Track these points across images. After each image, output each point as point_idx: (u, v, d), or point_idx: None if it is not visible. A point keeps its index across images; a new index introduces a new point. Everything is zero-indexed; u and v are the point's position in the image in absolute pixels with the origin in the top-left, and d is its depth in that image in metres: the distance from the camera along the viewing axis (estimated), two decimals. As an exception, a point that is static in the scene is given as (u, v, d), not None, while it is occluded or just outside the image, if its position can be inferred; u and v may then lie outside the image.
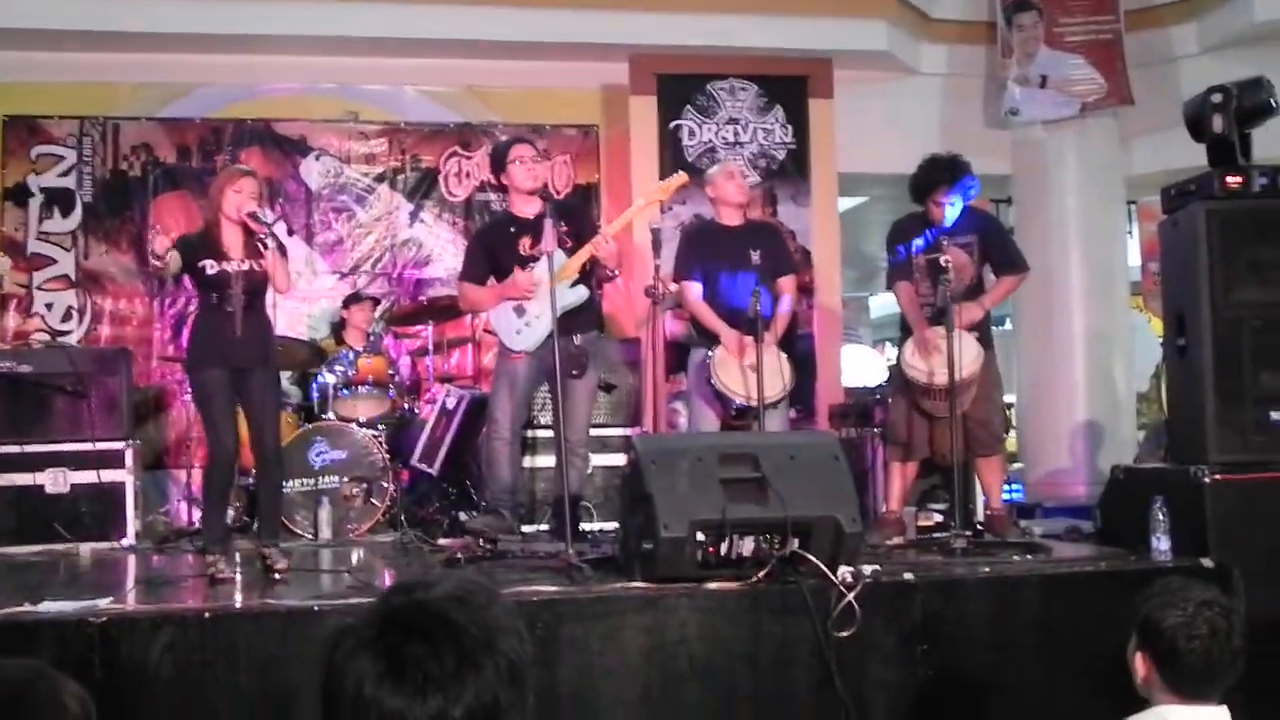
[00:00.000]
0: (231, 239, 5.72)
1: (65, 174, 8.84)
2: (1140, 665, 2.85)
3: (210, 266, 5.73)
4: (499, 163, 6.25)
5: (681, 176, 6.38)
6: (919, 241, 6.37)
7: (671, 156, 8.99)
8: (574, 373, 5.89)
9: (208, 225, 5.81)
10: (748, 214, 6.93)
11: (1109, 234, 9.79)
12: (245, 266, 5.69)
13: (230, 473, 6.04)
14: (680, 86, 9.15)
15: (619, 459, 7.09)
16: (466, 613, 1.55)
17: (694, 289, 6.59)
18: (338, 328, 8.44)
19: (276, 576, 5.25)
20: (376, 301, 8.78)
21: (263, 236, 5.69)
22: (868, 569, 4.70)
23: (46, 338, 8.51)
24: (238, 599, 4.80)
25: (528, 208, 6.08)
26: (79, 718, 1.88)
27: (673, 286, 6.75)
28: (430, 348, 8.15)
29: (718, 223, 6.75)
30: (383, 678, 1.51)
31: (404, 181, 9.28)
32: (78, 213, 8.83)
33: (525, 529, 6.61)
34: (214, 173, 8.81)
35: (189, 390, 6.25)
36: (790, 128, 9.23)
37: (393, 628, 1.53)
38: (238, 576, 5.35)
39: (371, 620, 1.55)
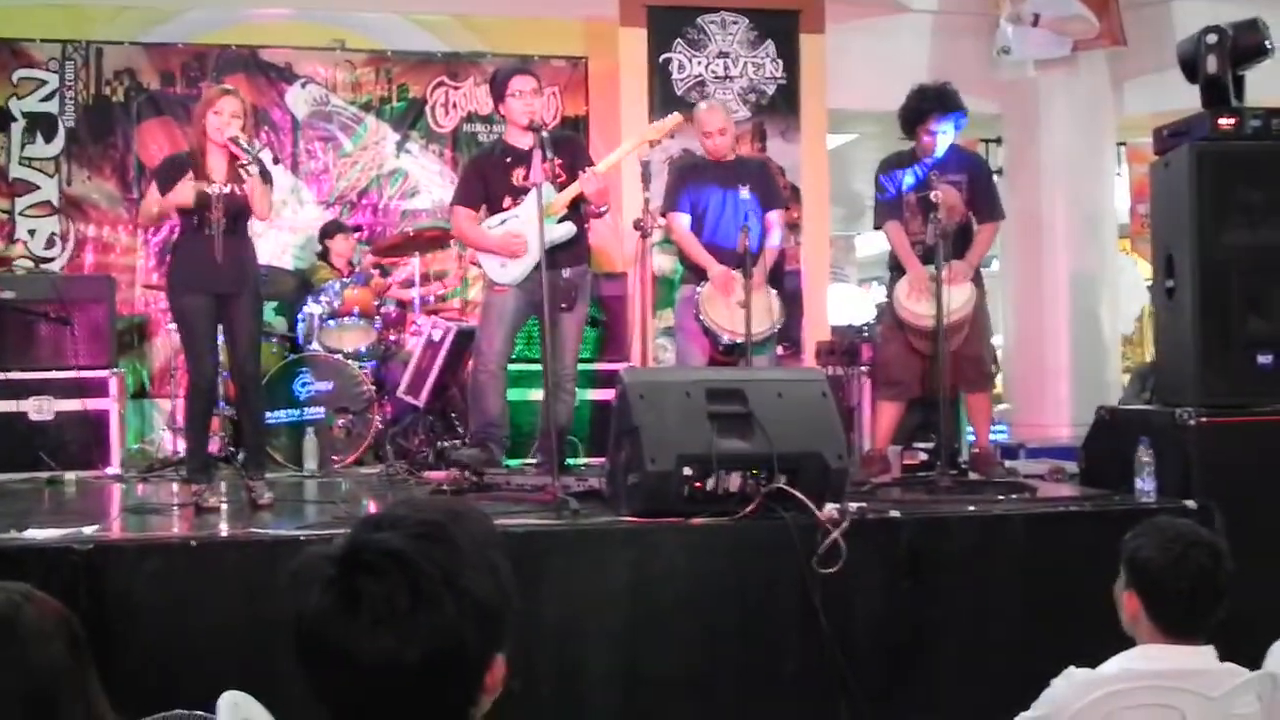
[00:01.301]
0: (215, 162, 5.63)
1: (48, 99, 8.72)
2: (1127, 604, 2.86)
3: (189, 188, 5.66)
4: (498, 91, 6.16)
5: (676, 117, 6.32)
6: (909, 179, 6.34)
7: (661, 90, 8.92)
8: (563, 306, 5.87)
9: (191, 148, 5.73)
10: (737, 149, 6.91)
11: (1098, 175, 9.75)
12: (227, 190, 5.61)
13: (210, 399, 6.00)
14: (670, 19, 9.05)
15: (606, 394, 7.10)
16: (428, 548, 1.52)
17: (682, 220, 6.58)
18: (321, 256, 8.37)
19: (262, 507, 5.26)
20: (357, 230, 8.72)
21: (245, 163, 5.62)
22: (854, 506, 4.72)
23: (29, 264, 8.43)
24: (223, 528, 4.81)
25: (524, 139, 6.02)
26: (66, 639, 1.87)
27: (660, 220, 6.72)
28: (416, 279, 8.10)
29: (706, 158, 6.72)
30: (335, 613, 1.49)
31: (390, 111, 9.18)
32: (60, 138, 8.71)
33: (510, 462, 6.61)
34: (198, 99, 8.76)
35: (170, 316, 6.18)
36: (780, 62, 9.15)
37: (352, 565, 1.51)
38: (223, 506, 5.35)
39: (334, 556, 1.53)
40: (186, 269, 5.65)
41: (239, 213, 5.64)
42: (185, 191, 5.49)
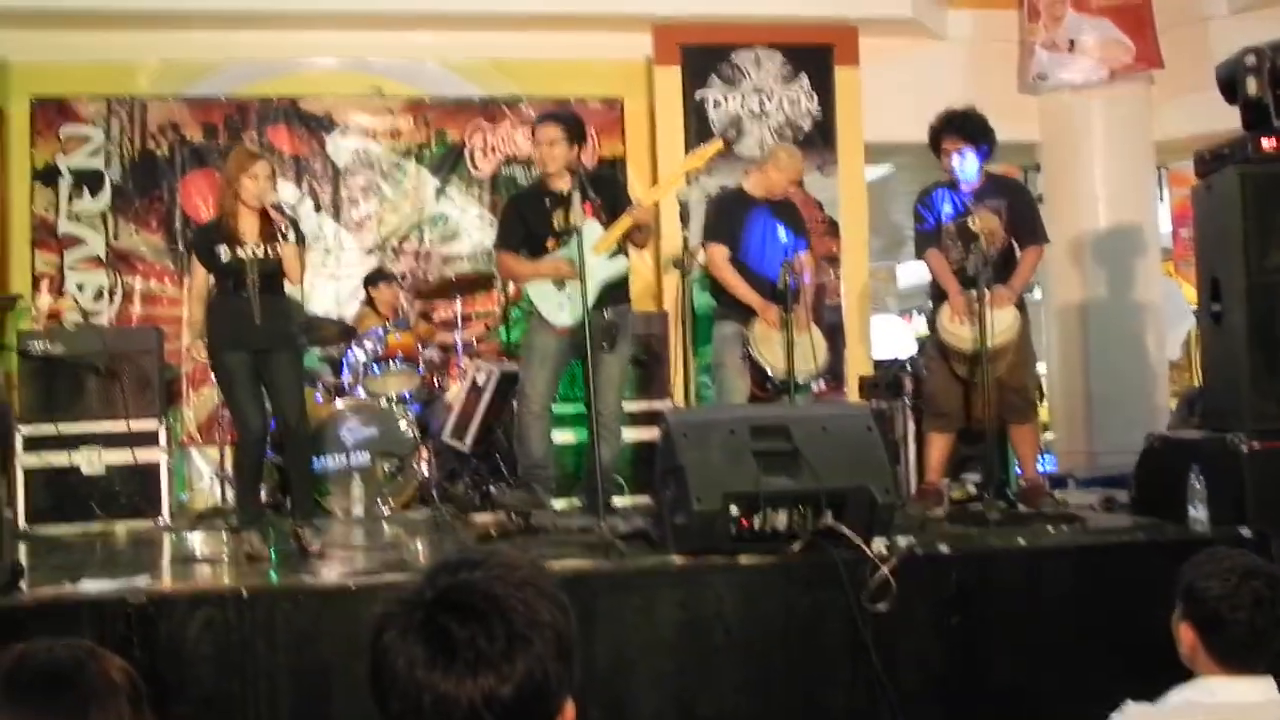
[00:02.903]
0: (247, 224, 5.75)
1: (94, 154, 8.85)
2: (1185, 636, 2.82)
3: (224, 253, 5.79)
4: (533, 140, 6.29)
5: (717, 142, 6.38)
6: (947, 207, 6.32)
7: (696, 127, 8.97)
8: (604, 345, 5.88)
9: (224, 211, 5.81)
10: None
11: (1139, 199, 9.70)
12: (260, 252, 5.70)
13: (257, 452, 6.09)
14: (704, 57, 9.12)
15: (648, 433, 7.10)
16: (513, 590, 1.54)
17: (721, 252, 6.61)
18: (367, 305, 8.44)
19: (311, 554, 5.28)
20: (402, 277, 8.79)
21: (283, 228, 5.72)
22: (902, 541, 4.69)
23: (78, 318, 8.55)
24: (273, 577, 4.83)
25: (560, 181, 6.07)
26: (129, 696, 1.89)
27: (700, 255, 6.76)
28: (459, 322, 8.14)
29: (747, 193, 6.77)
30: (433, 660, 1.50)
31: (430, 157, 9.26)
32: (107, 193, 8.84)
33: (557, 502, 6.61)
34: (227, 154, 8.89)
35: (212, 372, 6.28)
36: (816, 96, 9.18)
37: (440, 608, 1.52)
38: (272, 555, 5.38)
39: (418, 601, 1.54)
40: (224, 327, 5.76)
41: (274, 272, 5.73)
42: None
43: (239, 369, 5.88)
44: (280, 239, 5.79)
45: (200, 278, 6.01)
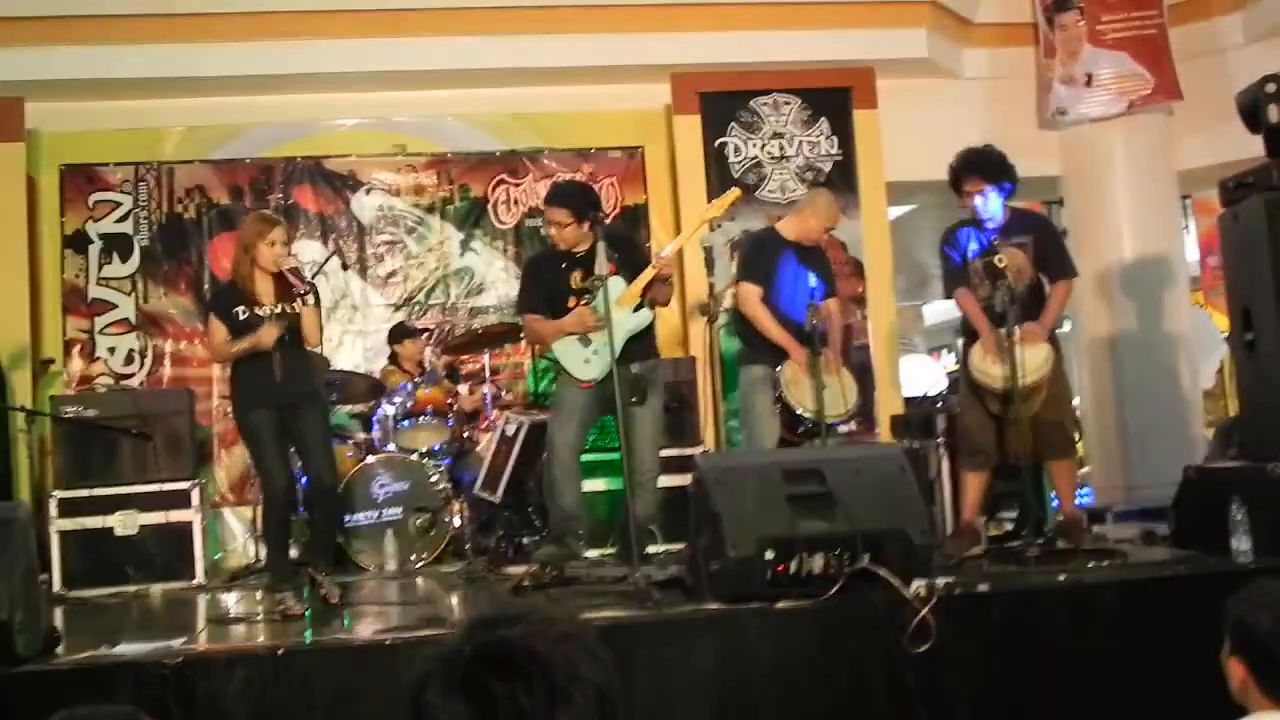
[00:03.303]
0: (264, 286, 5.81)
1: (122, 219, 8.93)
2: (1235, 671, 2.78)
3: (243, 313, 5.83)
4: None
5: (735, 191, 6.40)
6: (974, 245, 6.30)
7: (717, 174, 8.99)
8: (633, 400, 5.87)
9: (240, 275, 5.85)
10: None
11: (1164, 230, 9.66)
12: (278, 310, 5.76)
13: (286, 510, 6.11)
14: (723, 104, 9.15)
15: (679, 479, 7.07)
16: (553, 645, 1.53)
17: (754, 291, 6.61)
18: (392, 360, 8.46)
19: (331, 605, 5.29)
20: (422, 333, 8.81)
21: (303, 292, 5.79)
22: (941, 582, 4.65)
23: (110, 381, 8.61)
24: (308, 635, 4.81)
25: (579, 245, 6.10)
26: None
27: (727, 299, 6.78)
28: (487, 375, 8.15)
29: (780, 236, 6.79)
30: (474, 717, 1.49)
31: (453, 211, 9.30)
32: (136, 257, 8.91)
33: (590, 553, 6.59)
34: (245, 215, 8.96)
35: (239, 432, 6.29)
36: (836, 139, 9.20)
37: (481, 665, 1.51)
38: (306, 612, 5.37)
39: (458, 658, 1.53)
40: (249, 387, 5.79)
41: (293, 329, 5.77)
42: (265, 337, 5.65)
43: (264, 427, 5.92)
44: (299, 300, 5.85)
45: (219, 336, 6.02)
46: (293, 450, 6.31)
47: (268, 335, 5.84)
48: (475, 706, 1.48)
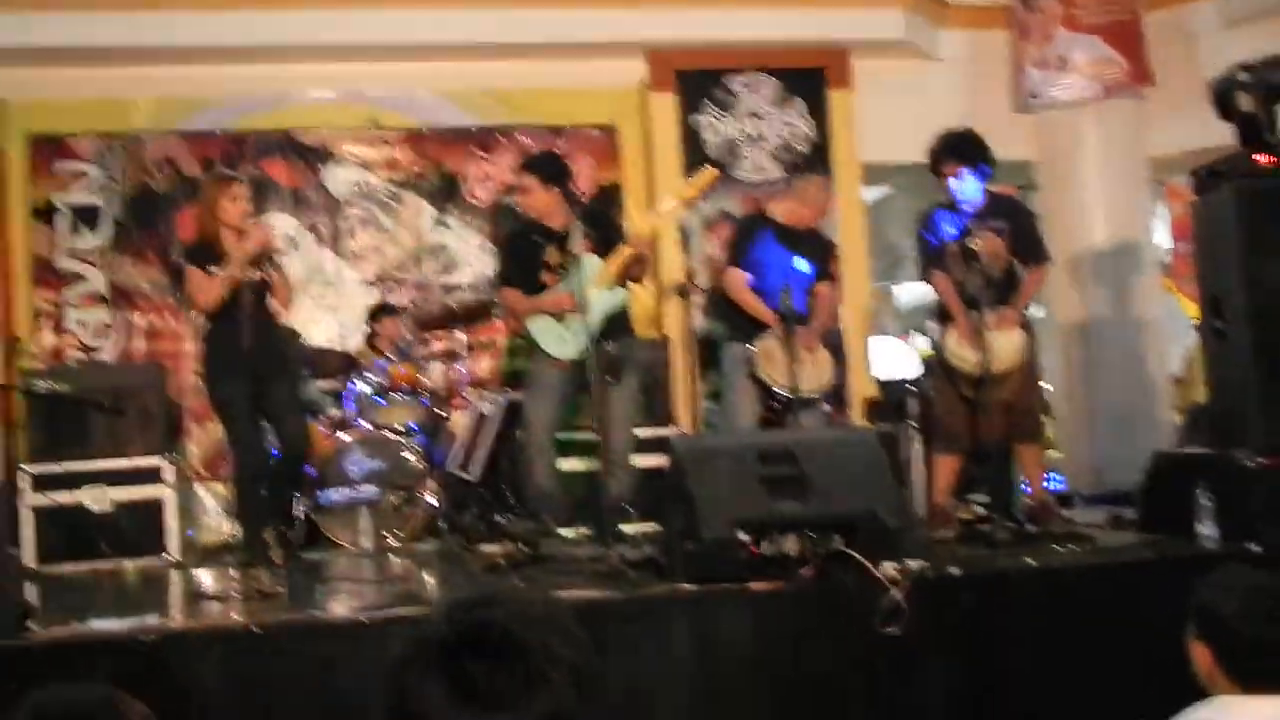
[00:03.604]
0: (232, 244, 5.73)
1: (91, 190, 8.86)
2: (1199, 655, 2.82)
3: (216, 273, 5.76)
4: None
5: (712, 170, 6.40)
6: (950, 229, 6.33)
7: (692, 153, 9.00)
8: (608, 379, 5.90)
9: (206, 235, 5.78)
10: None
11: (1136, 215, 9.73)
12: (248, 276, 5.71)
13: (262, 482, 6.07)
14: (699, 82, 9.15)
15: (653, 459, 7.10)
16: (530, 627, 1.55)
17: (740, 276, 6.64)
18: (369, 338, 8.45)
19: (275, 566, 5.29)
20: (402, 310, 8.80)
21: (278, 255, 5.76)
22: (913, 564, 4.68)
23: (81, 354, 8.56)
24: (283, 614, 4.81)
25: (553, 219, 6.11)
26: None
27: (701, 278, 6.81)
28: (464, 353, 8.15)
29: (769, 217, 6.82)
30: (453, 698, 1.51)
31: (427, 187, 9.27)
32: (105, 228, 8.84)
33: (564, 531, 6.61)
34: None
35: (210, 404, 6.21)
36: (811, 120, 9.21)
37: (459, 647, 1.53)
38: (283, 590, 5.38)
39: (437, 640, 1.55)
40: (219, 358, 5.73)
41: (262, 295, 5.72)
42: (240, 260, 5.60)
43: (237, 399, 5.86)
44: (269, 263, 5.80)
45: (201, 280, 5.83)
46: (264, 422, 6.28)
47: (243, 256, 5.69)
48: (453, 687, 1.50)
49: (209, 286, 5.56)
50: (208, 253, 5.74)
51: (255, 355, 5.77)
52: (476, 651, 1.52)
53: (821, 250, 7.01)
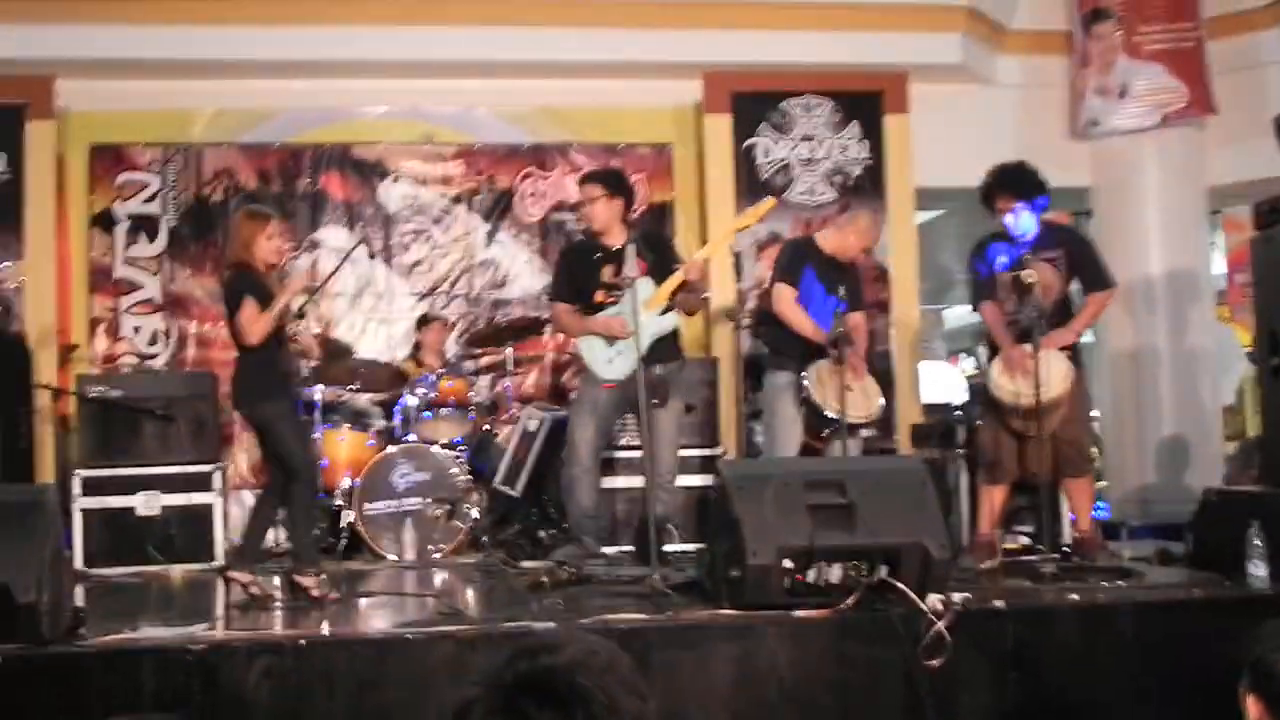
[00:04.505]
0: (270, 280, 5.81)
1: (150, 200, 8.96)
2: (1252, 709, 2.78)
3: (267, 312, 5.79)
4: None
5: (770, 201, 6.43)
6: (1003, 259, 6.29)
7: (746, 174, 9.00)
8: (654, 401, 5.91)
9: (246, 268, 5.79)
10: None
11: (1192, 245, 9.64)
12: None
13: (311, 492, 6.11)
14: (755, 104, 9.15)
15: (698, 480, 7.11)
16: (593, 676, 1.56)
17: (789, 292, 6.63)
18: (415, 349, 8.51)
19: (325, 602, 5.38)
20: (450, 323, 8.86)
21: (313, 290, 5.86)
22: (957, 596, 4.66)
23: (135, 361, 8.66)
24: (325, 629, 4.84)
25: (611, 236, 6.13)
26: None
27: (752, 296, 6.81)
28: (509, 368, 8.19)
29: (817, 246, 6.82)
30: None
31: (480, 202, 9.32)
32: (163, 238, 8.95)
33: (607, 549, 6.63)
34: (295, 197, 8.99)
35: (256, 424, 6.16)
36: (866, 143, 9.19)
37: (522, 693, 1.54)
38: (335, 595, 5.45)
39: (499, 686, 1.56)
40: (269, 378, 5.75)
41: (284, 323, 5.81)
42: (291, 290, 5.67)
43: (291, 412, 5.89)
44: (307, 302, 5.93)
45: (255, 308, 5.69)
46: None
47: (294, 288, 5.74)
48: None
49: (264, 322, 5.62)
50: (255, 284, 5.75)
51: (291, 375, 5.87)
52: (539, 698, 1.53)
53: (858, 282, 7.02)
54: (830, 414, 6.38)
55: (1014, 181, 6.26)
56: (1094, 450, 6.63)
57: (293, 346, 5.90)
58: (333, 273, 7.24)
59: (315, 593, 5.38)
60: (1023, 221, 6.18)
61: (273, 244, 5.74)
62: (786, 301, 6.68)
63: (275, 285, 5.78)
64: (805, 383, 6.45)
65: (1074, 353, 6.27)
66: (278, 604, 5.41)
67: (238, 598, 5.46)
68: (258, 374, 5.77)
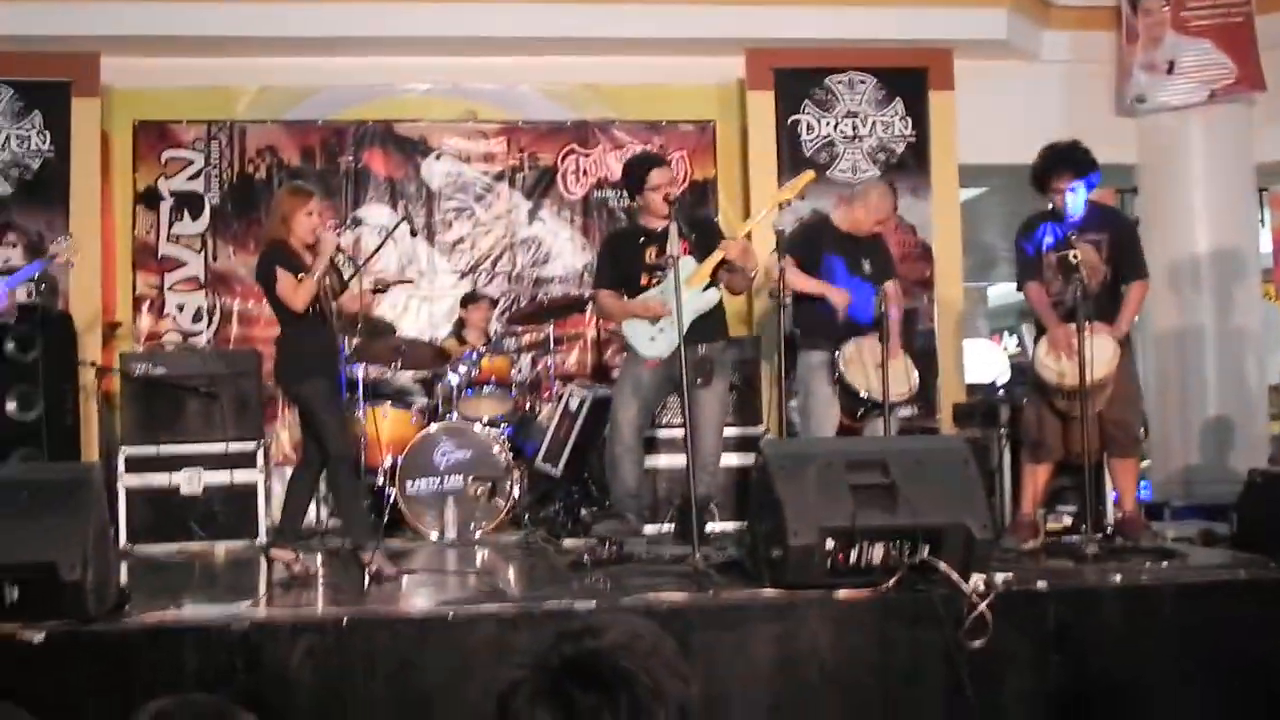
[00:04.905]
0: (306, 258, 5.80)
1: (194, 177, 9.01)
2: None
3: (303, 279, 5.78)
4: (636, 183, 6.26)
5: (809, 174, 6.39)
6: (1049, 239, 6.24)
7: (789, 151, 8.96)
8: (699, 380, 5.90)
9: (279, 243, 5.79)
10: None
11: (1239, 223, 9.52)
12: (327, 281, 5.79)
13: (358, 468, 6.14)
14: (798, 81, 9.09)
15: (740, 459, 7.10)
16: (637, 660, 1.56)
17: (790, 260, 6.50)
18: (458, 327, 8.53)
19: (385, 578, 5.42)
20: (494, 301, 8.87)
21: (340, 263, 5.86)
22: (999, 577, 4.64)
23: (178, 339, 8.72)
24: (369, 606, 4.87)
25: (654, 219, 6.13)
26: None
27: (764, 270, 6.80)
28: (551, 346, 8.19)
29: (833, 225, 6.77)
30: None
31: (522, 180, 9.32)
32: (206, 215, 9.00)
33: (648, 528, 6.64)
34: (337, 174, 9.01)
35: (295, 402, 6.19)
36: (910, 120, 9.12)
37: (567, 677, 1.54)
38: (392, 570, 5.49)
39: (544, 669, 1.56)
40: (312, 355, 5.76)
41: (327, 302, 5.81)
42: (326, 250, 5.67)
43: (329, 392, 5.86)
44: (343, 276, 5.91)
45: (292, 279, 5.72)
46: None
47: (327, 250, 5.73)
48: (560, 717, 1.51)
49: (304, 290, 5.62)
50: (286, 257, 5.76)
51: (333, 354, 5.86)
52: (584, 682, 1.54)
53: (884, 254, 6.95)
54: (864, 394, 6.34)
55: (1070, 159, 6.18)
56: (1142, 431, 6.53)
57: (339, 316, 5.88)
58: (375, 250, 7.21)
59: (374, 568, 5.42)
60: (1080, 199, 6.12)
61: (311, 221, 5.75)
62: (791, 270, 6.53)
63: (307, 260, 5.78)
64: (838, 362, 6.41)
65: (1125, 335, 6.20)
66: (333, 581, 5.45)
67: (280, 576, 5.51)
68: (297, 352, 5.79)
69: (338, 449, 5.75)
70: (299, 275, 5.64)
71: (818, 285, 6.53)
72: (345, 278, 5.98)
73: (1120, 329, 6.14)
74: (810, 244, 6.72)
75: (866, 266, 6.61)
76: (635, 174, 6.32)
